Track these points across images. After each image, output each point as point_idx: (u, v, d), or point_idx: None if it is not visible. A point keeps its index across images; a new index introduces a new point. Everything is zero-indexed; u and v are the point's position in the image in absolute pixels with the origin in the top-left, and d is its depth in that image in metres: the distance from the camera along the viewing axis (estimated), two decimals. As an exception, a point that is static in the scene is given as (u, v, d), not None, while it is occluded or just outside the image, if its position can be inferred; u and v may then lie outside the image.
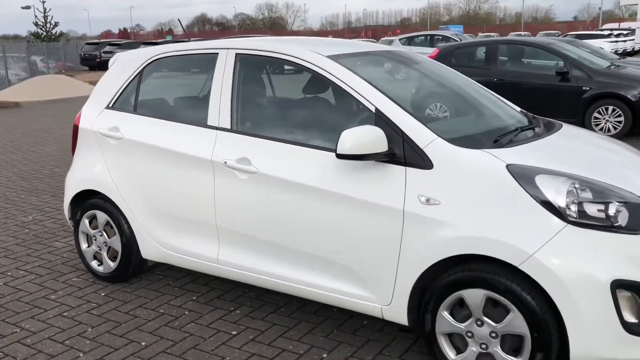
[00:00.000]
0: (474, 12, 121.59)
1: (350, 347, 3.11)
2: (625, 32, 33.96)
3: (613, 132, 8.93)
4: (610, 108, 8.94)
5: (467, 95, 3.72)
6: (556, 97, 9.23)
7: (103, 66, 27.89)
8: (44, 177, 7.26)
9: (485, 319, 2.61)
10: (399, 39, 21.47)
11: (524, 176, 2.55)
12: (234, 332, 3.30)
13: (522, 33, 49.20)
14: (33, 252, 4.62)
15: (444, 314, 2.72)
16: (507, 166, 2.59)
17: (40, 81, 19.14)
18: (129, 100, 3.83)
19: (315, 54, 3.13)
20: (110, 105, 3.90)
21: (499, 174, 2.58)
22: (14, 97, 17.24)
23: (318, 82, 3.21)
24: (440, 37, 20.75)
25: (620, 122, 8.90)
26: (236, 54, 3.39)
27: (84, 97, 14.68)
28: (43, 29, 36.75)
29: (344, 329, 3.31)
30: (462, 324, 2.68)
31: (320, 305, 3.53)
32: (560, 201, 2.48)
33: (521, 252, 2.46)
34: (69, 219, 4.17)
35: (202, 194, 3.38)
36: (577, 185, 2.54)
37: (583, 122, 9.09)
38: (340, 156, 2.73)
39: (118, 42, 33.39)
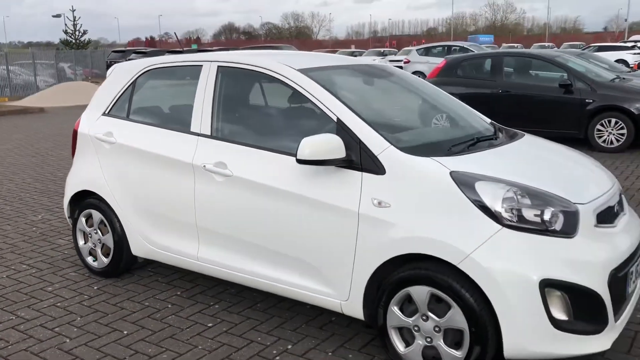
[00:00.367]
0: (500, 22, 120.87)
1: (315, 340, 3.33)
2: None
3: (616, 144, 9.00)
4: (613, 120, 9.01)
5: (435, 107, 3.92)
6: (560, 109, 9.33)
7: (128, 73, 28.34)
8: (57, 180, 7.63)
9: (430, 314, 2.82)
10: (416, 49, 21.66)
11: (465, 182, 2.76)
12: (210, 324, 3.55)
13: (546, 44, 48.99)
14: (37, 249, 4.94)
15: (394, 309, 2.93)
16: (451, 173, 2.80)
17: (64, 88, 19.76)
18: (123, 108, 4.13)
19: (287, 67, 3.39)
20: (107, 112, 4.21)
21: (443, 180, 2.80)
22: (39, 102, 17.86)
23: (289, 93, 3.46)
24: (457, 48, 20.86)
25: (622, 134, 8.96)
26: (218, 66, 3.66)
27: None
28: (72, 36, 37.76)
29: (312, 324, 3.53)
30: (410, 319, 2.89)
31: (294, 302, 3.76)
32: (496, 206, 2.69)
33: (460, 252, 2.67)
34: (68, 217, 4.47)
35: (184, 195, 3.64)
36: (516, 192, 2.74)
37: (586, 134, 9.18)
38: (300, 161, 2.97)
39: (143, 50, 34.05)
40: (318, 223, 3.09)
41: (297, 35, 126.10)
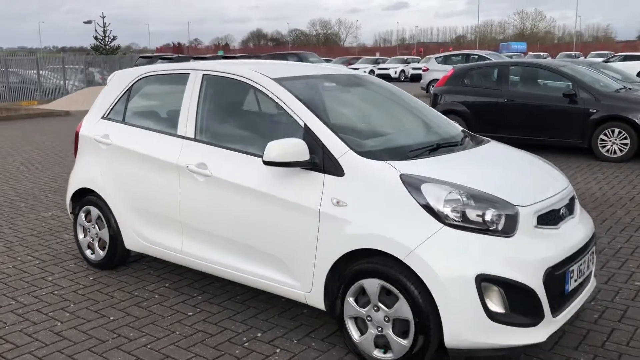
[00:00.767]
0: (529, 30, 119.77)
1: (284, 330, 3.59)
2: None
3: (619, 154, 9.08)
4: (617, 130, 9.09)
5: (405, 114, 4.16)
6: (564, 119, 9.44)
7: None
8: (72, 180, 8.02)
9: (381, 305, 3.06)
10: (435, 58, 21.81)
11: (412, 184, 3.00)
12: (190, 313, 3.83)
13: (573, 53, 48.50)
14: (44, 242, 5.30)
15: (350, 300, 3.17)
16: (401, 175, 3.04)
17: (90, 92, 20.38)
18: (120, 112, 4.46)
19: (263, 76, 3.67)
20: (105, 115, 4.54)
21: (393, 182, 3.04)
22: (65, 106, 18.49)
23: (264, 100, 3.74)
24: (476, 57, 20.96)
25: (626, 144, 9.04)
26: (203, 74, 3.97)
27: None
28: (102, 42, 38.70)
29: (284, 315, 3.79)
30: (363, 309, 3.13)
31: (271, 296, 4.02)
32: (439, 206, 2.92)
33: (405, 248, 2.91)
34: (70, 213, 4.82)
35: (169, 193, 3.94)
36: (461, 194, 2.97)
37: (590, 144, 9.28)
38: (267, 163, 3.24)
39: (169, 56, 34.78)
40: (284, 220, 3.35)
41: (324, 42, 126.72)
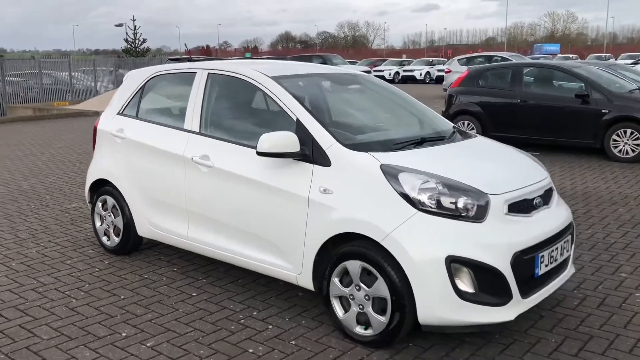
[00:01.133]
0: (561, 32, 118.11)
1: (278, 309, 3.88)
2: None
3: (631, 154, 9.14)
4: (629, 131, 9.15)
5: (397, 111, 4.41)
6: (576, 119, 9.53)
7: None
8: (96, 175, 8.44)
9: (362, 284, 3.31)
10: (458, 60, 21.88)
11: (390, 173, 3.26)
12: (194, 294, 4.14)
13: (603, 55, 47.84)
14: (65, 230, 5.69)
15: (335, 281, 3.44)
16: (381, 166, 3.30)
17: (119, 93, 20.96)
18: (134, 108, 4.80)
19: (261, 74, 3.96)
20: (120, 112, 4.89)
21: (374, 171, 3.30)
22: (95, 106, 19.09)
23: (262, 96, 4.03)
24: (499, 58, 20.98)
25: (638, 145, 9.09)
26: (208, 73, 4.28)
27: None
28: (132, 45, 39.64)
29: (280, 297, 4.07)
30: (347, 289, 3.40)
31: (270, 279, 4.31)
32: (414, 193, 3.17)
33: (382, 231, 3.16)
34: (88, 202, 5.18)
35: (176, 183, 4.26)
36: (437, 182, 3.21)
37: (602, 144, 9.35)
38: (260, 154, 3.53)
39: (197, 58, 35.59)
40: (277, 207, 3.64)
41: (352, 45, 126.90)
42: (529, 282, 3.26)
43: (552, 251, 3.41)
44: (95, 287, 4.28)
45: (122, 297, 4.10)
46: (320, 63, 28.09)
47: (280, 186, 3.61)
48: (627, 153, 9.20)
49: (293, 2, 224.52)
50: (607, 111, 9.28)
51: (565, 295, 4.09)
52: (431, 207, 3.16)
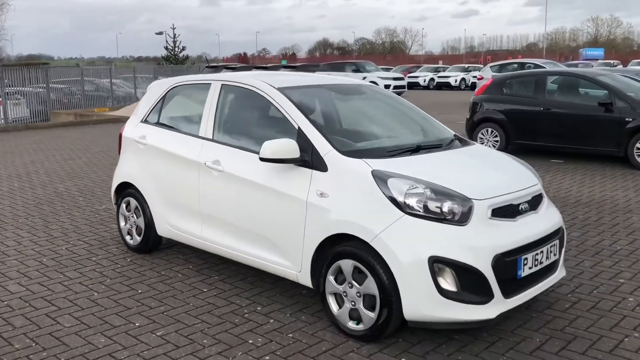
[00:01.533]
0: (604, 37, 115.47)
1: (281, 305, 4.14)
2: None
3: (655, 163, 9.10)
4: (653, 139, 9.12)
5: (399, 120, 4.64)
6: (600, 128, 9.53)
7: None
8: (127, 178, 8.88)
9: (354, 282, 3.55)
10: (490, 66, 21.84)
11: (381, 179, 3.49)
12: (205, 290, 4.45)
13: (646, 61, 46.63)
14: (94, 230, 6.08)
15: (330, 279, 3.69)
16: (372, 171, 3.54)
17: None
18: (155, 116, 5.15)
19: (268, 85, 4.25)
20: (143, 119, 5.26)
21: (366, 177, 3.54)
22: (131, 112, 19.75)
23: (268, 106, 4.31)
24: (532, 65, 20.86)
25: (662, 153, 9.06)
26: (222, 84, 4.59)
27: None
28: (172, 52, 40.65)
29: (285, 294, 4.34)
30: (341, 286, 3.64)
31: (277, 278, 4.58)
32: (401, 198, 3.40)
33: (371, 233, 3.40)
34: (114, 203, 5.56)
35: (192, 186, 4.58)
36: (425, 188, 3.43)
37: (626, 152, 9.34)
38: (262, 159, 3.81)
39: (233, 66, 36.18)
40: (279, 209, 3.91)
41: (390, 51, 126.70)
42: (511, 283, 3.44)
43: (537, 254, 3.58)
44: (115, 281, 4.63)
45: (139, 291, 4.44)
46: (354, 70, 28.40)
47: (282, 189, 3.88)
48: (650, 161, 9.16)
49: (332, 9, 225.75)
50: (630, 119, 9.27)
51: (559, 298, 4.24)
52: (418, 211, 3.38)
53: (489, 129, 10.81)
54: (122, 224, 5.41)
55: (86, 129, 16.52)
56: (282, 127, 4.07)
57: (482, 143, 10.85)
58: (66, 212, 6.84)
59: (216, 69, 36.93)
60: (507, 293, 3.41)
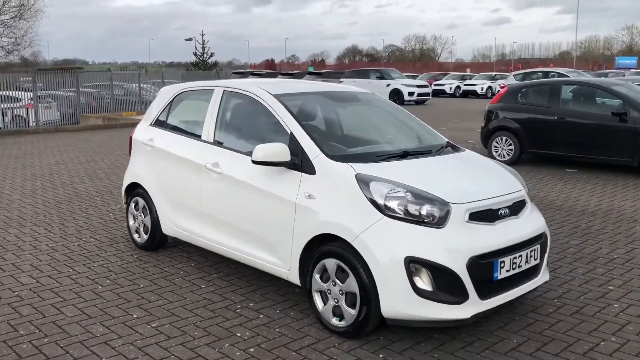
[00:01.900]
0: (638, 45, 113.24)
1: (272, 302, 4.33)
2: None
3: (669, 173, 9.05)
4: (667, 150, 9.07)
5: (393, 126, 4.80)
6: (613, 138, 9.52)
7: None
8: (145, 180, 9.19)
9: (337, 280, 3.72)
10: (514, 75, 21.78)
11: (363, 182, 3.66)
12: (203, 286, 4.66)
13: (680, 70, 45.72)
14: (107, 228, 6.37)
15: (316, 277, 3.86)
16: (356, 175, 3.71)
17: (182, 104, 22.05)
18: (163, 120, 5.41)
19: (265, 92, 4.46)
20: (152, 123, 5.51)
21: (350, 180, 3.71)
22: (158, 117, 20.20)
23: (264, 111, 4.51)
24: (555, 74, 20.75)
25: (676, 164, 9.00)
26: (223, 90, 4.82)
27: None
28: (200, 58, 41.40)
29: (278, 292, 4.53)
30: (325, 284, 3.81)
31: (273, 277, 4.76)
32: (381, 200, 3.56)
33: (352, 233, 3.57)
34: (124, 203, 5.82)
35: (194, 188, 4.80)
36: (405, 191, 3.59)
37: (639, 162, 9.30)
38: (255, 162, 4.01)
39: (259, 72, 36.74)
40: (271, 209, 4.10)
41: (420, 58, 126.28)
42: (487, 284, 3.57)
43: (515, 258, 3.70)
44: (120, 276, 4.88)
45: (141, 285, 4.67)
46: (378, 77, 28.53)
47: (274, 191, 4.08)
48: (664, 172, 9.11)
49: (363, 15, 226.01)
50: (644, 129, 9.23)
51: (544, 302, 4.34)
52: (399, 214, 3.53)
53: (504, 138, 10.86)
54: (131, 222, 5.67)
55: (113, 132, 17.00)
56: (277, 131, 4.27)
57: (497, 151, 10.91)
58: (82, 211, 7.14)
59: (243, 75, 37.49)
60: (483, 294, 3.53)
